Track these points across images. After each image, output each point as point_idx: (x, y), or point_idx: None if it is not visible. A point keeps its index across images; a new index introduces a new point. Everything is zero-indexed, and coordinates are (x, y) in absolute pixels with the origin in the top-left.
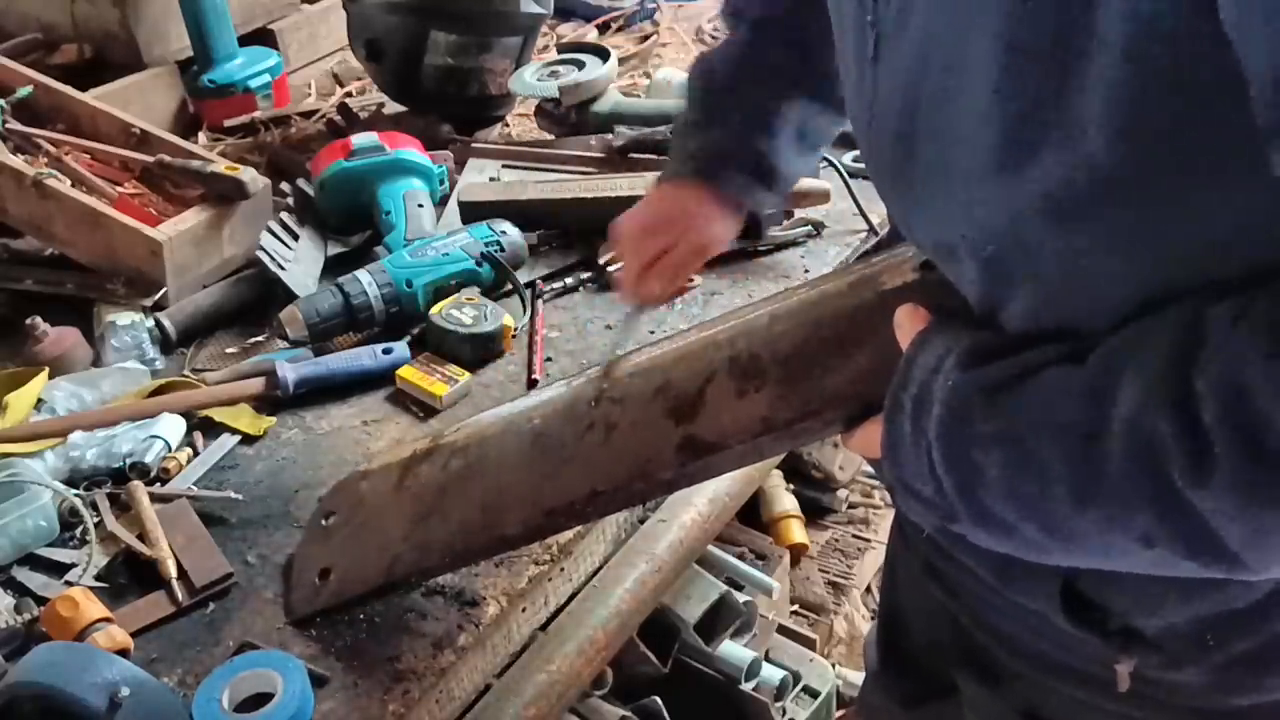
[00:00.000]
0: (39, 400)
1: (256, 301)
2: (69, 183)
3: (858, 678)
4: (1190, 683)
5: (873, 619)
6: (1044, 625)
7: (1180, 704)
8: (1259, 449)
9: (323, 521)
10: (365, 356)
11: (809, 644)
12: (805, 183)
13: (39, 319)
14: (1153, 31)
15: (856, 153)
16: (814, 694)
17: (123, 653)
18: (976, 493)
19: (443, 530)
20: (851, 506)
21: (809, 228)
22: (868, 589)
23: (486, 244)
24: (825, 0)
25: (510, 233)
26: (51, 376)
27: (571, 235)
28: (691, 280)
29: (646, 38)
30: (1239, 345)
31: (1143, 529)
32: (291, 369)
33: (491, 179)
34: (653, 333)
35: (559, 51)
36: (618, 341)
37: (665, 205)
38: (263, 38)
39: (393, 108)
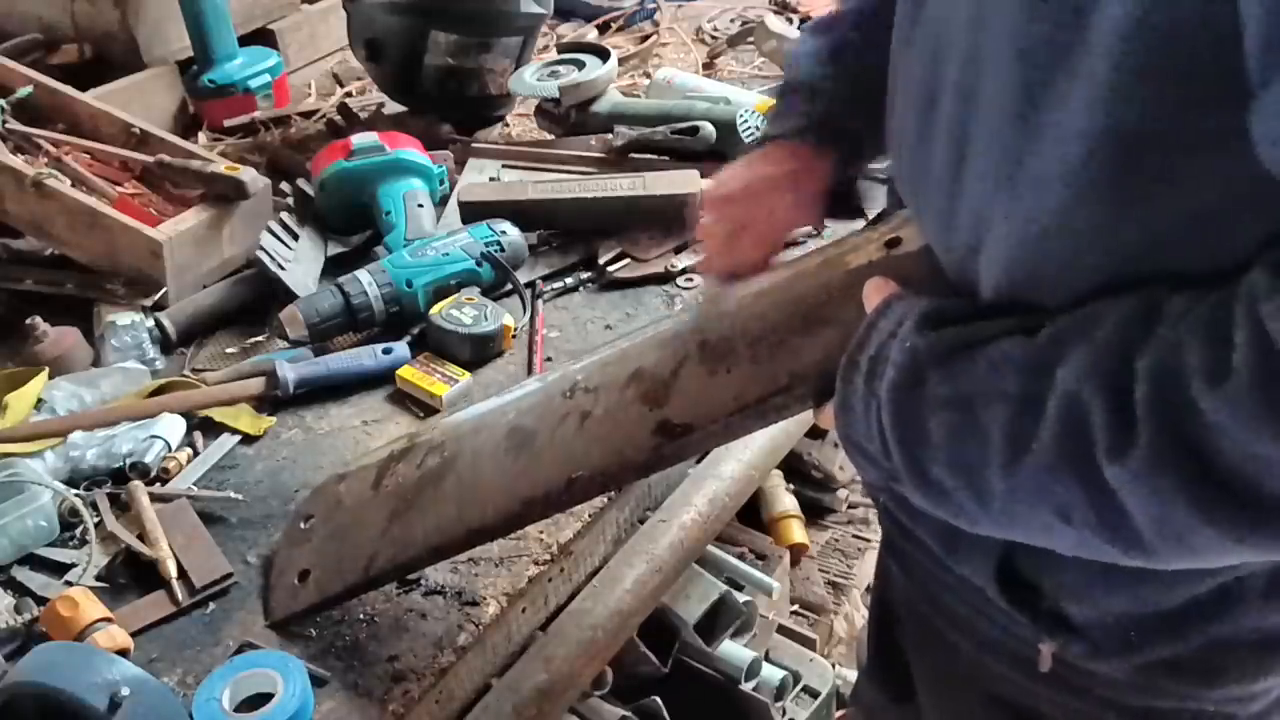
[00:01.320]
0: (39, 400)
1: (256, 301)
2: (69, 183)
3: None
4: (1112, 676)
5: None
6: (983, 601)
7: (1102, 695)
8: (1178, 433)
9: (301, 525)
10: (365, 356)
11: (809, 644)
12: None
13: (39, 319)
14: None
15: None
16: (814, 694)
17: (123, 653)
18: (918, 454)
19: (420, 526)
20: (851, 506)
21: (808, 227)
22: (868, 589)
23: (486, 244)
24: None
25: (510, 233)
26: (51, 376)
27: (571, 235)
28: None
29: (646, 38)
30: (1185, 333)
31: (1062, 501)
32: (291, 369)
33: (491, 179)
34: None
35: (559, 51)
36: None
37: (756, 169)
38: (263, 38)
39: (393, 108)
